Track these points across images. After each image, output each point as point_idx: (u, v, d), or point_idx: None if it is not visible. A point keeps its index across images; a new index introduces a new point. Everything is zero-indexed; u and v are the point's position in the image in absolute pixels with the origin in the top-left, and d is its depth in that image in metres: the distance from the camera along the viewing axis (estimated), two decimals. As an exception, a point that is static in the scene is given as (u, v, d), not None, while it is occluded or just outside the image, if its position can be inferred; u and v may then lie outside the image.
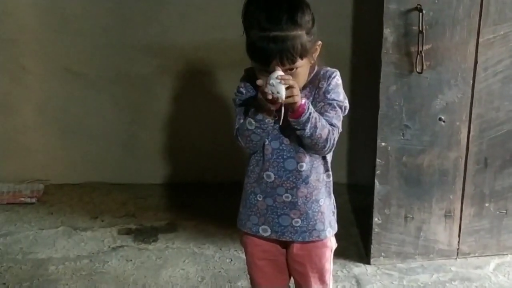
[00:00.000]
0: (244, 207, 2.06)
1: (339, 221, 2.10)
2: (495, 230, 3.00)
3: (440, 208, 2.92)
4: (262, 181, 1.98)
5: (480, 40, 2.69)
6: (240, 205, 2.08)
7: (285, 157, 1.94)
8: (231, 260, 3.04)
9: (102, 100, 3.67)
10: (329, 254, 2.08)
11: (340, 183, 3.59)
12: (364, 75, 3.21)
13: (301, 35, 1.81)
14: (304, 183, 1.95)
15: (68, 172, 3.79)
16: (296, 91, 1.79)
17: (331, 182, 2.03)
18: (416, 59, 2.63)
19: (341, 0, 3.49)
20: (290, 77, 1.79)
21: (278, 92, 1.76)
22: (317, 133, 1.85)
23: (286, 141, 1.93)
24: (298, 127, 1.85)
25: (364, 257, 3.03)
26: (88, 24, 3.54)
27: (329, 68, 1.96)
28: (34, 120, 3.71)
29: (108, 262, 3.03)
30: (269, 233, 2.02)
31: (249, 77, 1.94)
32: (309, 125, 1.84)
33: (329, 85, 1.92)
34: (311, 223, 1.99)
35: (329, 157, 2.01)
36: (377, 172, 2.83)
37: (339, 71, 1.97)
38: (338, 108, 1.93)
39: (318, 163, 1.97)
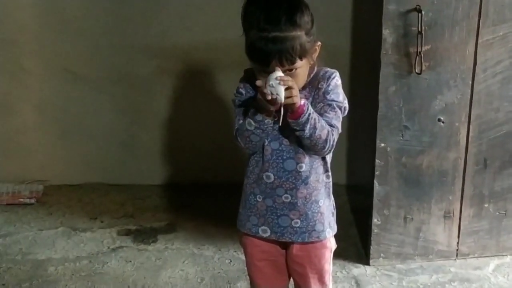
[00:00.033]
0: (244, 207, 2.06)
1: (338, 222, 2.10)
2: (495, 231, 3.00)
3: (439, 209, 2.92)
4: (261, 182, 1.98)
5: (479, 41, 2.69)
6: (240, 205, 2.09)
7: (284, 157, 1.94)
8: (231, 261, 3.04)
9: (101, 101, 3.68)
10: (328, 255, 2.08)
11: (339, 184, 3.60)
12: (363, 76, 3.21)
13: (300, 36, 1.81)
14: (303, 183, 1.95)
15: (67, 172, 3.79)
16: (295, 92, 1.79)
17: (331, 183, 2.03)
18: (415, 60, 2.63)
19: (340, 1, 3.50)
20: (289, 78, 1.79)
21: (277, 93, 1.76)
22: (316, 134, 1.86)
23: (285, 141, 1.93)
24: (298, 128, 1.85)
25: (364, 258, 3.03)
26: (88, 24, 3.54)
27: (328, 69, 1.96)
28: (33, 121, 3.71)
29: (107, 263, 3.03)
30: (268, 233, 2.02)
31: (249, 77, 1.95)
32: (308, 126, 1.84)
33: (328, 85, 1.92)
34: (310, 224, 1.99)
35: (328, 158, 2.01)
36: (377, 173, 2.83)
37: (338, 71, 1.97)
38: (337, 109, 1.93)
39: (318, 163, 1.97)
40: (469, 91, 2.76)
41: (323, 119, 1.88)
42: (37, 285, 2.86)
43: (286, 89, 1.77)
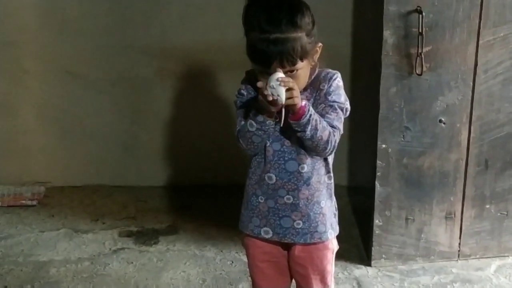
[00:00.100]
0: (246, 209, 2.06)
1: (340, 223, 2.10)
2: (496, 231, 3.00)
3: (440, 210, 2.92)
4: (263, 183, 1.98)
5: (480, 42, 2.69)
6: (242, 207, 2.09)
7: (286, 159, 1.94)
8: (232, 262, 3.04)
9: (102, 102, 3.68)
10: (330, 256, 2.08)
11: (341, 185, 3.59)
12: (364, 77, 3.21)
13: (301, 37, 1.81)
14: (305, 185, 1.95)
15: (68, 174, 3.80)
16: (296, 93, 1.79)
17: (333, 184, 2.04)
18: (416, 61, 2.63)
19: (341, 2, 3.50)
20: (290, 79, 1.79)
21: (278, 94, 1.76)
22: (317, 135, 1.86)
23: (287, 143, 1.93)
24: (299, 129, 1.85)
25: (365, 259, 3.03)
26: (88, 25, 3.55)
27: (330, 70, 1.96)
28: (34, 122, 3.71)
29: (109, 264, 3.03)
30: (270, 235, 2.02)
31: (250, 79, 1.95)
32: (309, 127, 1.84)
33: (330, 86, 1.92)
34: (312, 225, 1.99)
35: (330, 159, 2.01)
36: (378, 174, 2.83)
37: (339, 73, 1.98)
38: (339, 110, 1.93)
39: (320, 165, 1.97)
40: (470, 92, 2.76)
41: (325, 120, 1.89)
42: (39, 286, 2.86)
43: (287, 90, 1.77)
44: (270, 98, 1.77)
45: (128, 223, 3.42)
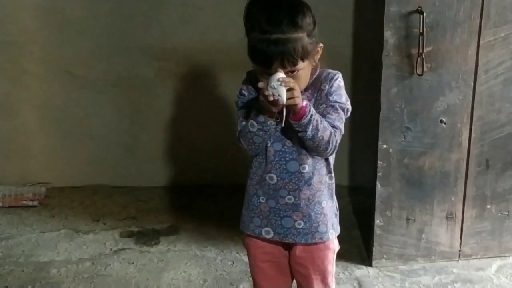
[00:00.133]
0: (247, 209, 2.06)
1: (340, 223, 2.10)
2: (497, 232, 3.00)
3: (441, 210, 2.92)
4: (264, 183, 1.98)
5: (481, 42, 2.69)
6: (243, 207, 2.09)
7: (287, 159, 1.94)
8: (233, 263, 3.04)
9: (102, 102, 3.68)
10: (331, 256, 2.08)
11: (342, 185, 3.58)
12: (365, 77, 3.22)
13: (302, 37, 1.81)
14: (306, 185, 1.95)
15: (69, 175, 3.79)
16: (297, 93, 1.79)
17: (334, 184, 2.03)
18: (417, 61, 2.63)
19: (342, 2, 3.50)
20: (291, 79, 1.79)
21: (279, 94, 1.76)
22: (318, 135, 1.86)
23: (288, 143, 1.93)
24: (300, 129, 1.85)
25: (366, 259, 3.03)
26: (88, 26, 3.55)
27: (331, 70, 1.96)
28: (35, 123, 3.71)
29: (110, 265, 3.03)
30: (272, 235, 2.02)
31: (251, 79, 1.95)
32: (310, 127, 1.84)
33: (331, 87, 1.92)
34: (313, 225, 1.99)
35: (331, 159, 2.01)
36: (379, 174, 2.83)
37: (340, 73, 1.98)
38: (340, 110, 1.93)
39: (321, 165, 1.97)
40: (471, 92, 2.76)
41: (326, 121, 1.89)
42: (40, 287, 2.86)
43: (288, 90, 1.77)
44: (271, 98, 1.77)
45: (129, 224, 3.42)
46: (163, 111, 3.72)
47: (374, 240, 2.93)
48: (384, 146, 2.79)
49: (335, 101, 1.92)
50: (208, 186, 3.74)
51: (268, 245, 2.06)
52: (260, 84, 1.81)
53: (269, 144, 1.94)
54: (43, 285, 2.87)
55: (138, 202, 3.66)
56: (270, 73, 1.80)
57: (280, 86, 1.76)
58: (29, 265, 3.02)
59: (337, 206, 2.08)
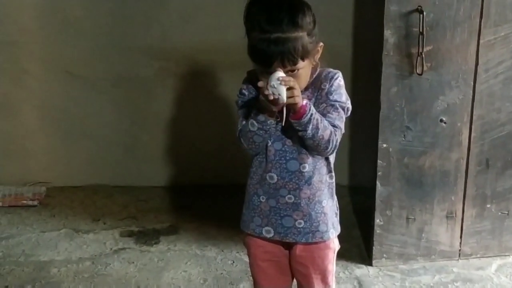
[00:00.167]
0: (247, 208, 2.06)
1: (341, 222, 2.10)
2: (497, 231, 3.01)
3: (441, 209, 2.92)
4: (265, 183, 1.98)
5: (481, 41, 2.69)
6: (243, 206, 2.09)
7: (287, 158, 1.94)
8: (233, 262, 3.04)
9: (103, 102, 3.68)
10: (332, 256, 2.09)
11: (342, 185, 3.57)
12: (365, 77, 3.21)
13: (302, 37, 1.81)
14: (307, 184, 1.95)
15: (69, 174, 3.80)
16: (297, 92, 1.79)
17: (334, 183, 2.04)
18: (417, 61, 2.63)
19: (342, 2, 3.50)
20: (291, 78, 1.79)
21: (279, 94, 1.76)
22: (319, 134, 1.86)
23: (288, 142, 1.94)
24: (300, 128, 1.85)
25: (366, 258, 3.03)
26: (88, 25, 3.55)
27: (331, 70, 1.96)
28: (35, 123, 3.71)
29: (110, 264, 3.03)
30: (272, 234, 2.02)
31: (251, 79, 1.95)
32: (310, 126, 1.84)
33: (331, 86, 1.92)
34: (314, 224, 2.00)
35: (332, 158, 2.01)
36: (379, 173, 2.83)
37: (340, 72, 1.98)
38: (340, 109, 1.93)
39: (321, 164, 1.97)
40: (471, 91, 2.76)
41: (326, 120, 1.89)
42: (40, 286, 2.86)
43: (287, 89, 1.77)
44: (271, 98, 1.77)
45: (129, 223, 3.42)
46: (163, 111, 3.73)
47: (374, 239, 2.93)
48: (384, 145, 2.79)
49: (335, 100, 1.92)
50: (208, 185, 3.75)
51: (269, 244, 2.07)
52: (260, 83, 1.81)
53: (270, 144, 1.94)
54: (43, 285, 2.87)
55: (138, 201, 3.66)
56: (270, 72, 1.80)
57: (280, 85, 1.76)
58: (29, 265, 3.02)
59: (338, 206, 2.08)
